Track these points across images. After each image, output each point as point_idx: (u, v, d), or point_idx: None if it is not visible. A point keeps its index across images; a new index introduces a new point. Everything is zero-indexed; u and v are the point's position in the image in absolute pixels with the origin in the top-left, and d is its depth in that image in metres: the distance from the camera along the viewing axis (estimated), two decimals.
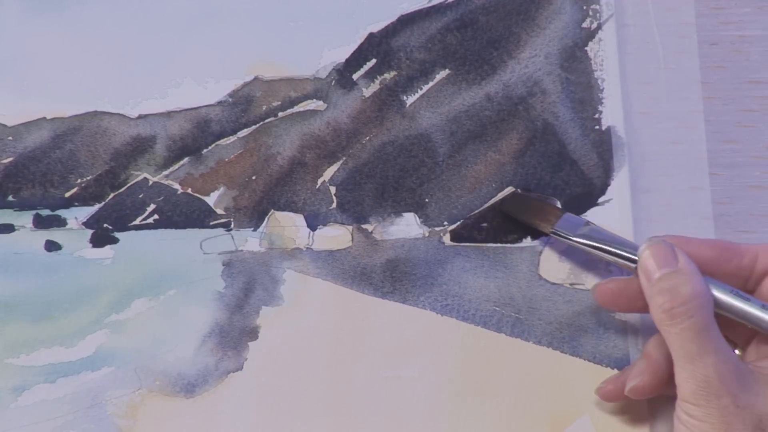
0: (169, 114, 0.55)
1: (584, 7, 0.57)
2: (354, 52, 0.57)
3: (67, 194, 0.54)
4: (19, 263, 0.53)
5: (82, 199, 0.54)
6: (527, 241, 0.55)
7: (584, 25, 0.57)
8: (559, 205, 0.55)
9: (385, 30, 0.57)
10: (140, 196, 0.55)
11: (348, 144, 0.56)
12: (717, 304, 0.48)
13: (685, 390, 0.46)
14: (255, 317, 0.53)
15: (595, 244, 0.52)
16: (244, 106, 0.56)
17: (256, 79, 0.56)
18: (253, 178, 0.55)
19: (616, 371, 0.53)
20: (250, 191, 0.55)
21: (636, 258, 0.49)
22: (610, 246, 0.51)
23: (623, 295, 0.50)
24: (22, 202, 0.54)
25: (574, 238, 0.52)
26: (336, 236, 0.55)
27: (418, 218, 0.55)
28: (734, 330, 0.50)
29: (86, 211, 0.54)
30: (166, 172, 0.55)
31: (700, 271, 0.48)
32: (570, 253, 0.55)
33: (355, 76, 0.56)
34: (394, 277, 0.54)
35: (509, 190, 0.56)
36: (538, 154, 0.56)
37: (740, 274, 0.50)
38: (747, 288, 0.50)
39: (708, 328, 0.46)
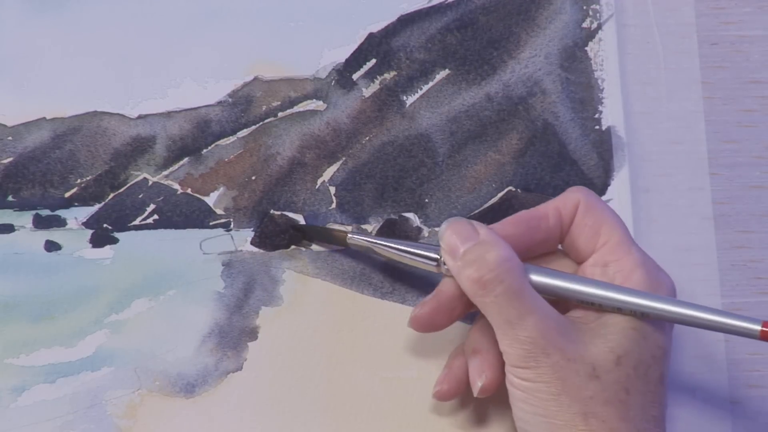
0: (169, 114, 0.55)
1: (584, 7, 0.57)
2: (354, 52, 0.57)
3: (67, 194, 0.54)
4: (19, 263, 0.53)
5: (82, 199, 0.54)
6: None
7: (584, 25, 0.57)
8: None
9: (385, 30, 0.57)
10: (140, 196, 0.55)
11: (348, 144, 0.56)
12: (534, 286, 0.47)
13: (511, 356, 0.45)
14: (254, 317, 0.53)
15: (395, 245, 0.51)
16: (244, 106, 0.56)
17: (256, 79, 0.56)
18: (253, 178, 0.55)
19: None
20: (249, 191, 0.55)
21: (436, 256, 0.49)
22: (410, 246, 0.51)
23: (439, 311, 0.49)
24: (22, 202, 0.54)
25: (375, 240, 0.52)
26: None
27: (418, 218, 0.55)
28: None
29: (86, 211, 0.54)
30: (165, 173, 0.55)
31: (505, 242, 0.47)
32: None
33: (355, 76, 0.56)
34: (394, 277, 0.54)
35: (509, 189, 0.56)
36: (538, 154, 0.56)
37: (553, 235, 0.49)
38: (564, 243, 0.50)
39: (522, 289, 0.45)
